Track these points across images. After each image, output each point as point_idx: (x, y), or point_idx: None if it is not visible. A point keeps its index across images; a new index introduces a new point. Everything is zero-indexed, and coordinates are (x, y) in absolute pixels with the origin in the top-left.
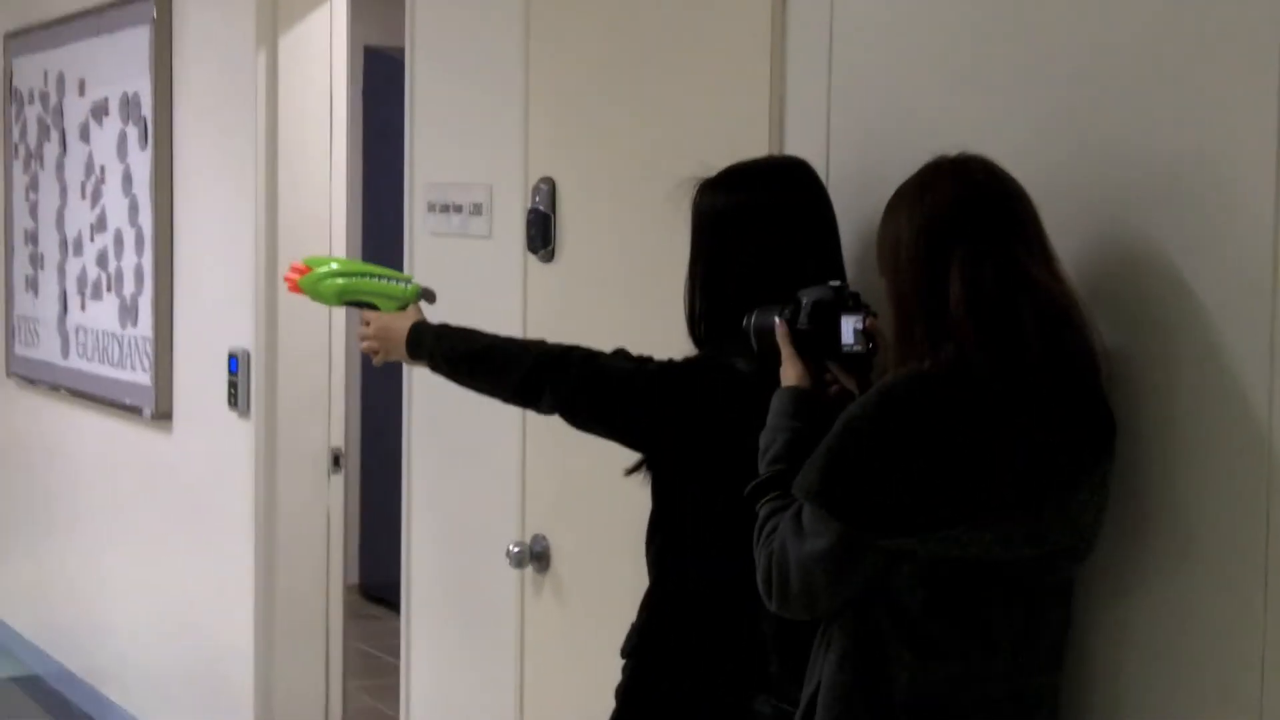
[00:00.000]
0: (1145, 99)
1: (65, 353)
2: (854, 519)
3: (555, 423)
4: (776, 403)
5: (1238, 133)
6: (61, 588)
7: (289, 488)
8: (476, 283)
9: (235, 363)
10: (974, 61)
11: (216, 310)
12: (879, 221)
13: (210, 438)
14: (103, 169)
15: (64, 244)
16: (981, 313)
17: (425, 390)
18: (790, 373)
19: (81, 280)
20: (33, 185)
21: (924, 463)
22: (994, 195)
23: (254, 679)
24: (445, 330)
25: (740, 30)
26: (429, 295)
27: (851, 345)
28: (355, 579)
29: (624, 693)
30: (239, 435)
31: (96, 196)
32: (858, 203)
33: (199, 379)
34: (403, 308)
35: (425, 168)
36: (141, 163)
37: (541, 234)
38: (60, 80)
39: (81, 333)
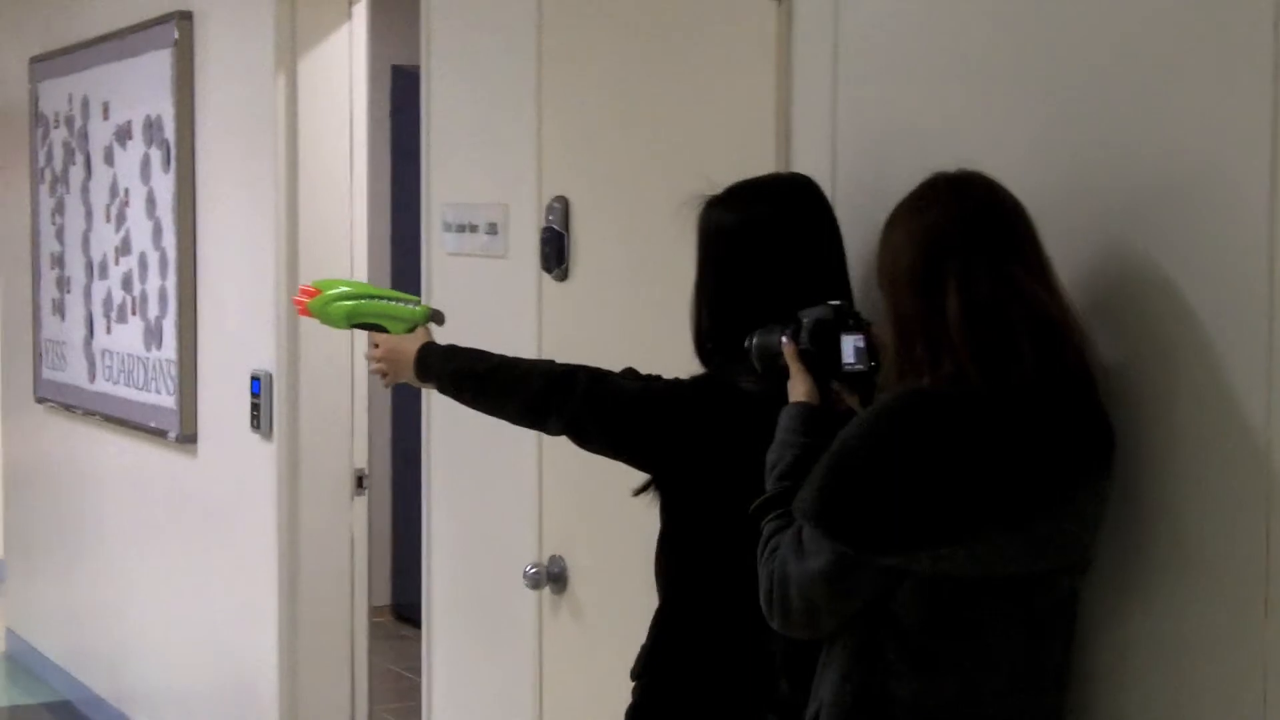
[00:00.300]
0: (1146, 113)
1: (92, 376)
2: (851, 539)
3: (571, 444)
4: (784, 419)
5: (1233, 146)
6: (90, 612)
7: (312, 509)
8: (492, 302)
9: (258, 384)
10: (978, 75)
11: (239, 332)
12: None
13: (234, 460)
14: (127, 192)
15: (90, 267)
16: (978, 330)
17: (444, 412)
18: (799, 389)
19: (107, 303)
20: (59, 209)
21: (919, 481)
22: (992, 212)
23: (279, 701)
24: (453, 351)
25: (747, 48)
26: (438, 317)
27: (853, 364)
28: (388, 600)
29: (633, 714)
30: (262, 457)
31: (121, 219)
32: (864, 217)
33: (223, 401)
34: (411, 329)
35: (442, 187)
36: (164, 185)
37: (556, 253)
38: (85, 104)
39: (108, 356)
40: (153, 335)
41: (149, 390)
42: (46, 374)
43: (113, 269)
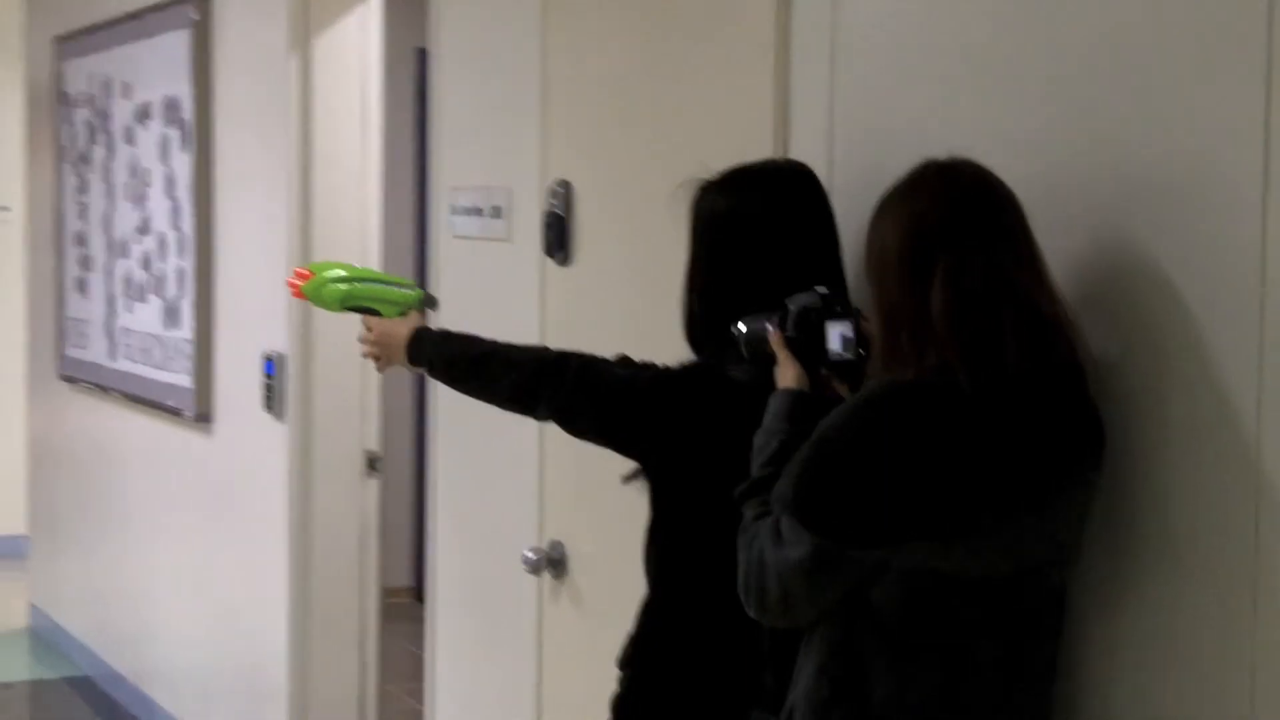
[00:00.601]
0: (1140, 108)
1: (113, 355)
2: (827, 530)
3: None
4: (773, 404)
5: (1226, 141)
6: (110, 589)
7: (323, 490)
8: (497, 286)
9: (271, 366)
10: (975, 70)
11: (254, 313)
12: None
13: (247, 440)
14: (147, 172)
15: (111, 246)
16: (964, 322)
17: (450, 397)
18: (787, 375)
19: (127, 282)
20: (82, 188)
21: (898, 474)
22: (982, 200)
23: (289, 681)
24: (445, 336)
25: (747, 37)
26: (431, 301)
27: (839, 353)
28: (408, 581)
29: (618, 704)
30: (274, 438)
31: (141, 199)
32: (861, 205)
33: (238, 382)
34: (405, 314)
35: (449, 170)
36: (182, 166)
37: (558, 237)
38: (107, 84)
39: (127, 335)
40: (171, 315)
41: (167, 369)
42: (70, 352)
43: (133, 248)
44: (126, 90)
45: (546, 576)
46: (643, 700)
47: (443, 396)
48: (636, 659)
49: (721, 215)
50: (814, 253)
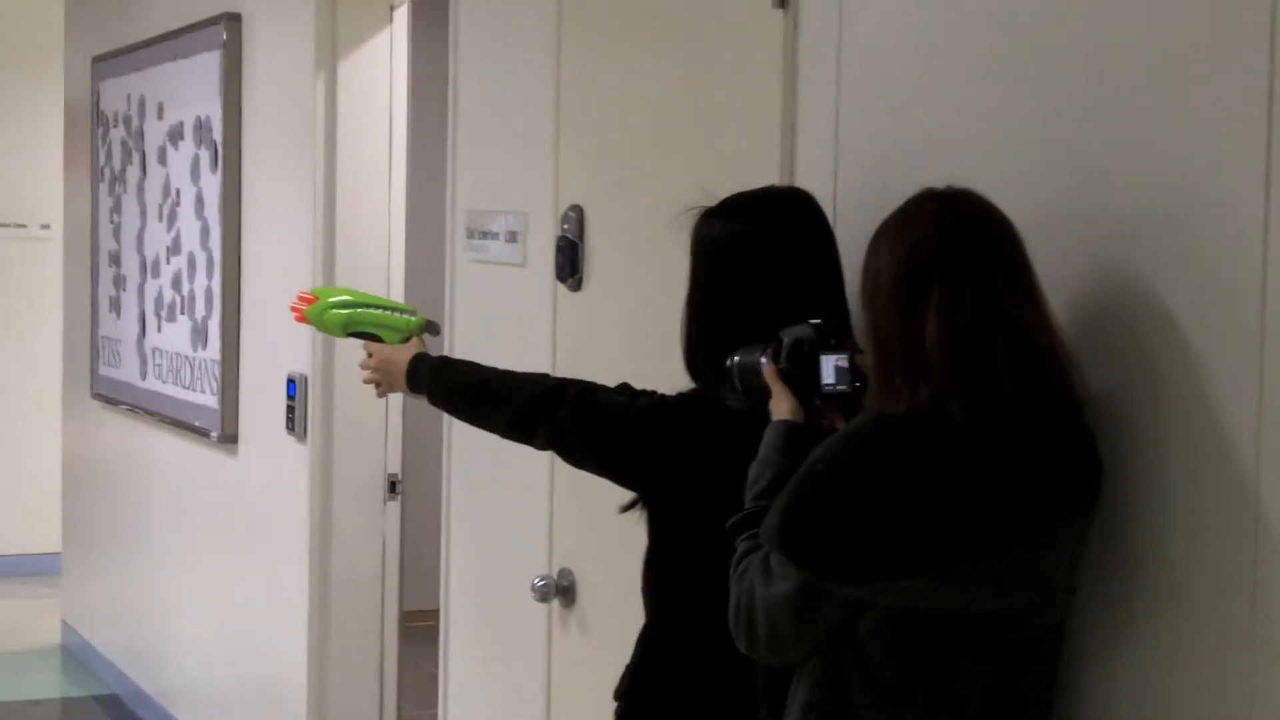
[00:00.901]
0: (1142, 135)
1: (143, 374)
2: (813, 566)
3: None
4: (768, 437)
5: (1228, 170)
6: (138, 608)
7: (344, 512)
8: (509, 311)
9: (293, 387)
10: (981, 87)
11: (278, 334)
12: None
13: (270, 461)
14: (178, 192)
15: (143, 266)
16: (956, 353)
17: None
18: (781, 407)
19: (158, 302)
20: (116, 207)
21: (884, 510)
22: (978, 230)
23: (307, 704)
24: (444, 363)
25: (755, 60)
26: (433, 328)
27: (834, 385)
28: (435, 605)
29: None
30: (296, 459)
31: (172, 219)
32: (866, 229)
33: (262, 403)
34: (406, 339)
35: (465, 194)
36: (212, 186)
37: (569, 262)
38: (141, 103)
39: (157, 354)
40: (199, 335)
41: (194, 390)
42: (103, 371)
43: (164, 268)
44: (160, 110)
45: (555, 604)
46: None
47: (456, 421)
48: (632, 690)
49: (722, 242)
50: (815, 280)
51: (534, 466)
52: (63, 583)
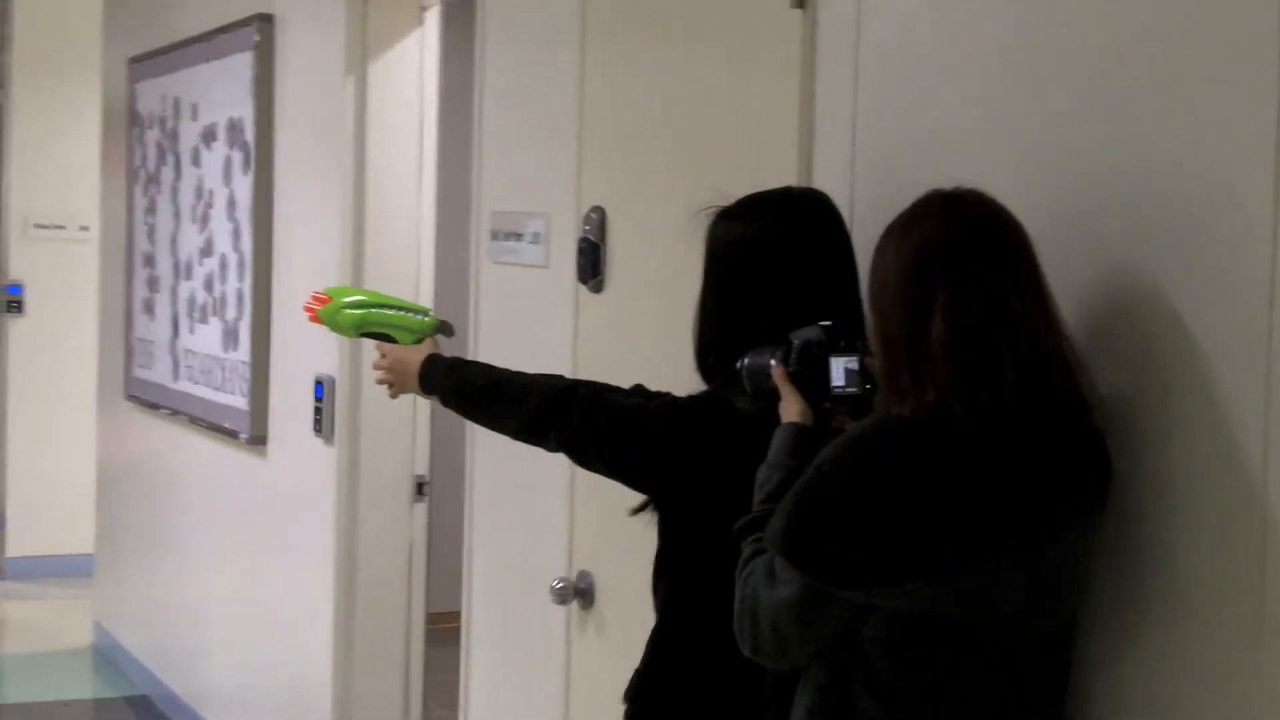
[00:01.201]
0: (1153, 137)
1: (175, 375)
2: (816, 570)
3: None
4: (776, 439)
5: (1237, 171)
6: (169, 609)
7: (370, 514)
8: (533, 312)
9: (321, 388)
10: (998, 90)
11: (307, 335)
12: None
13: (298, 463)
14: (211, 193)
15: (177, 267)
16: (962, 355)
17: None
18: (791, 410)
19: (191, 304)
20: (151, 208)
21: (882, 514)
22: (985, 231)
23: (333, 705)
24: (457, 364)
25: (774, 62)
26: (447, 329)
27: (844, 387)
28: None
29: None
30: (323, 461)
31: (205, 221)
32: (883, 229)
33: (291, 404)
34: (419, 340)
35: (490, 197)
36: (244, 188)
37: (591, 264)
38: (176, 105)
39: (189, 356)
40: (230, 337)
41: (225, 391)
42: (136, 372)
43: (196, 269)
44: (194, 111)
45: (574, 606)
46: None
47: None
48: (640, 694)
49: (736, 242)
50: (829, 280)
51: (554, 469)
52: (95, 583)
